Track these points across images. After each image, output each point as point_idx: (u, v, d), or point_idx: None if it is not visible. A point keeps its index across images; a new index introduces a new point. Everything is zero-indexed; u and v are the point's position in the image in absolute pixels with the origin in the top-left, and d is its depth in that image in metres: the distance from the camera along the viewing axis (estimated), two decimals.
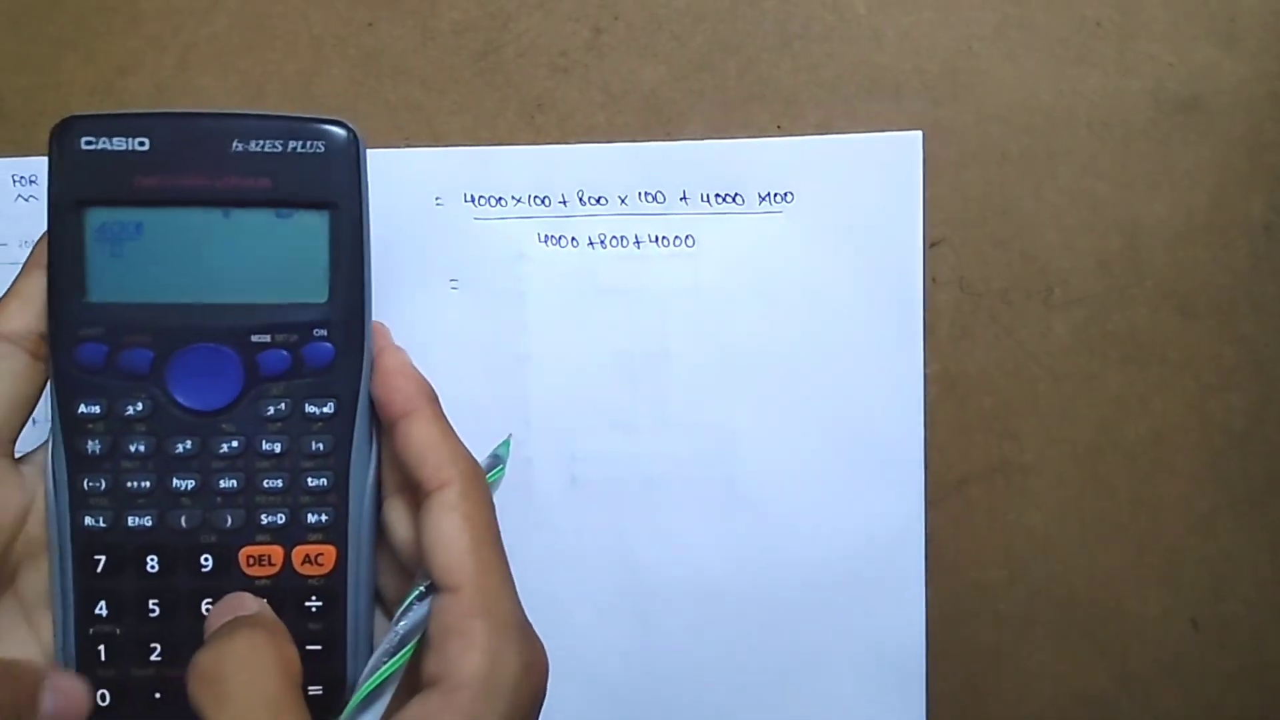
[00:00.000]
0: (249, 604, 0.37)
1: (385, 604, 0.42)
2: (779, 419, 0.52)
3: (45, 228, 0.39)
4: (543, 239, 0.52)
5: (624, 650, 0.53)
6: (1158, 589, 0.52)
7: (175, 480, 0.38)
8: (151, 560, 0.39)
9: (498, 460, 0.44)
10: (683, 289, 0.52)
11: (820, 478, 0.52)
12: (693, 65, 0.52)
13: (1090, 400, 0.52)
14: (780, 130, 0.52)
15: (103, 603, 0.38)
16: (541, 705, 0.38)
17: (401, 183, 0.52)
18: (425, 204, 0.52)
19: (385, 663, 0.37)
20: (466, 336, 0.52)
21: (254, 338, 0.39)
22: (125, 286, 0.38)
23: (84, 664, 0.38)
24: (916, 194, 0.51)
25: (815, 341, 0.52)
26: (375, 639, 0.41)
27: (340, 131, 0.39)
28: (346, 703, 0.39)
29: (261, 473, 0.39)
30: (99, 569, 0.38)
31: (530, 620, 0.38)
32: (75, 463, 0.38)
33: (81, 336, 0.38)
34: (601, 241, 0.52)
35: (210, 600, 0.38)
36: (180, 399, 0.38)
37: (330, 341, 0.39)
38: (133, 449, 0.38)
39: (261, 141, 0.38)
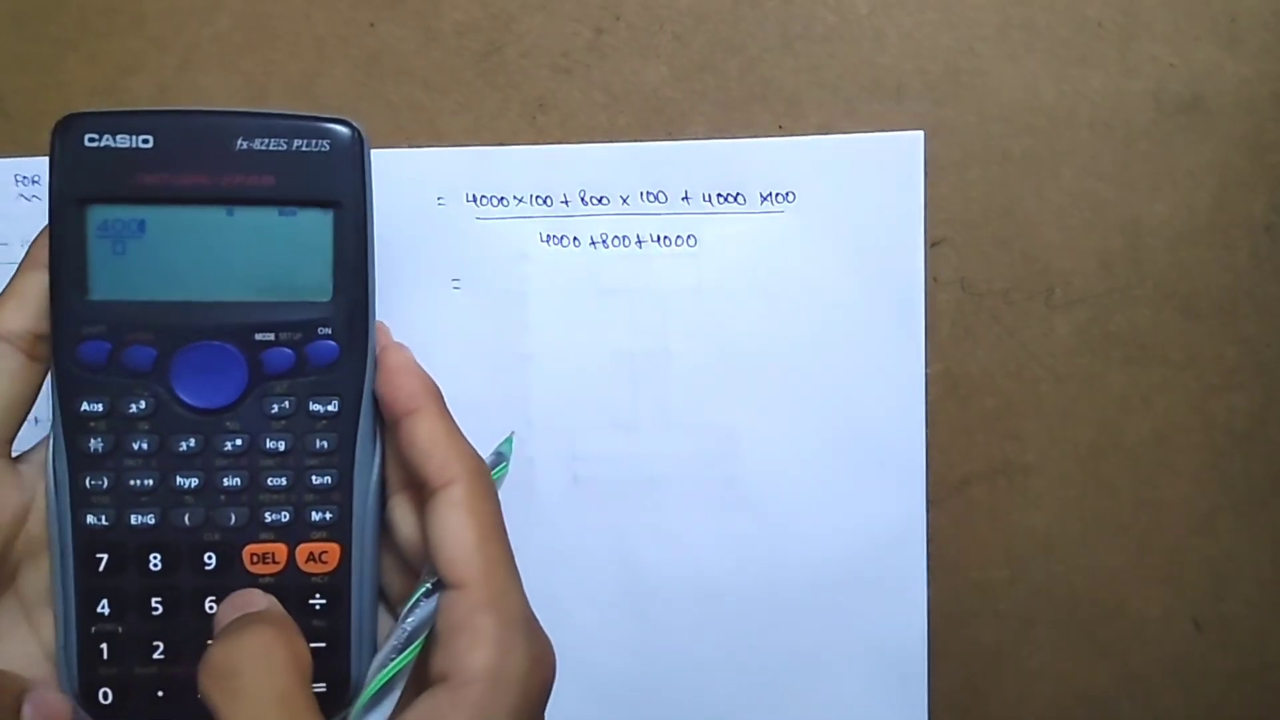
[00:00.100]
0: (258, 600, 0.37)
1: (389, 601, 0.42)
2: (781, 419, 0.52)
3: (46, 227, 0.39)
4: (545, 239, 0.52)
5: (625, 649, 0.53)
6: (1160, 589, 0.52)
7: (178, 478, 0.38)
8: (154, 559, 0.38)
9: (501, 457, 0.44)
10: (684, 289, 0.52)
11: (822, 477, 0.52)
12: (694, 65, 0.52)
13: (1092, 400, 0.52)
14: (782, 130, 0.52)
15: (105, 601, 0.38)
16: (548, 699, 0.38)
17: (404, 183, 0.52)
18: (427, 204, 0.52)
19: (393, 659, 0.37)
20: (468, 336, 0.52)
21: (258, 336, 0.39)
22: (128, 284, 0.38)
23: (86, 662, 0.38)
24: (918, 194, 0.51)
25: (817, 341, 0.52)
26: (379, 636, 0.41)
27: (344, 130, 0.39)
28: (350, 699, 0.39)
29: (265, 471, 0.39)
30: (101, 567, 0.38)
31: None
32: (77, 461, 0.38)
33: (84, 334, 0.38)
34: (603, 241, 0.52)
35: (214, 598, 0.38)
36: (183, 397, 0.38)
37: (334, 340, 0.39)
38: (135, 447, 0.38)
39: (265, 140, 0.38)
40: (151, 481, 0.38)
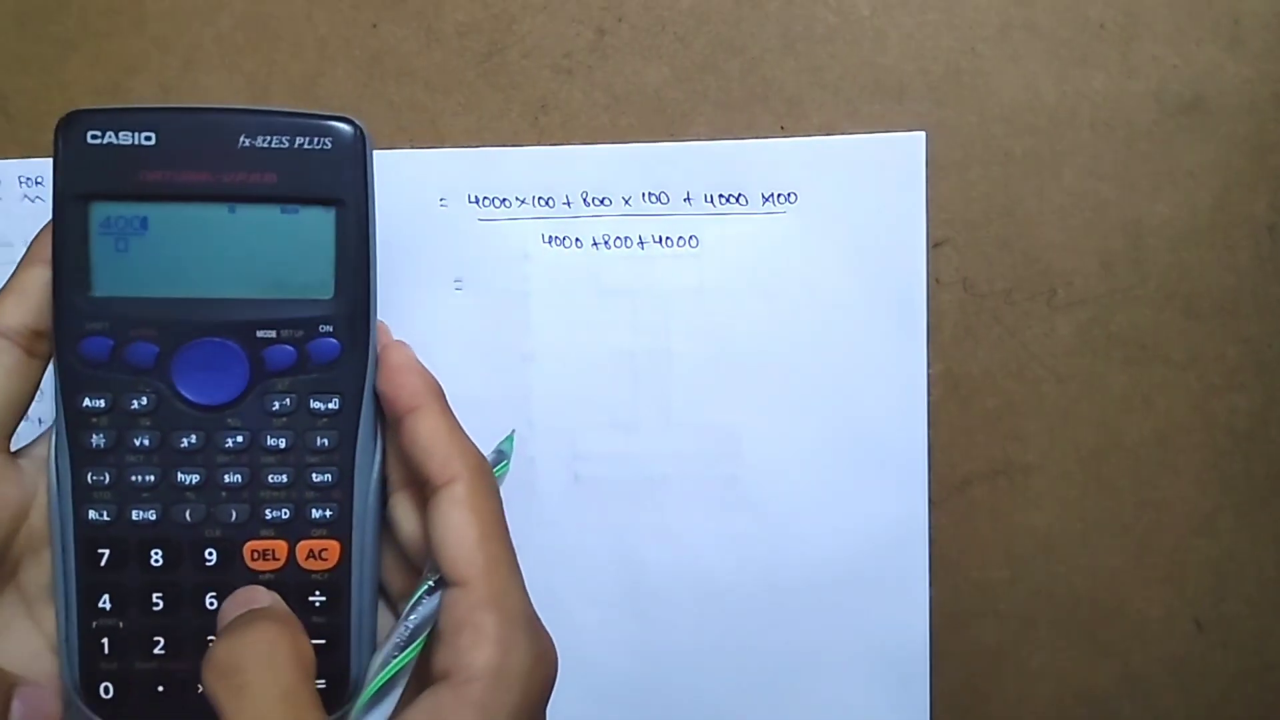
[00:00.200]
0: (262, 597, 0.37)
1: (391, 599, 0.42)
2: (782, 419, 0.52)
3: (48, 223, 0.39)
4: (547, 239, 0.52)
5: (626, 649, 0.53)
6: (1161, 589, 0.52)
7: (180, 474, 0.38)
8: (155, 554, 0.38)
9: (502, 455, 0.44)
10: (686, 289, 0.52)
11: (823, 477, 0.52)
12: (696, 66, 0.52)
13: (1093, 401, 0.52)
14: (784, 131, 0.52)
15: (106, 596, 0.38)
16: (550, 697, 0.38)
17: (406, 184, 0.52)
18: (430, 205, 0.52)
19: (395, 656, 0.37)
20: (470, 336, 0.52)
21: (259, 333, 0.39)
22: (130, 281, 0.38)
23: (87, 657, 0.38)
24: (920, 194, 0.51)
25: (818, 342, 0.52)
26: (380, 634, 0.41)
27: (347, 128, 0.39)
28: (349, 696, 0.39)
29: (266, 468, 0.39)
30: (102, 563, 0.38)
31: None
32: (79, 456, 0.38)
33: (86, 331, 0.38)
34: (605, 242, 0.52)
35: (214, 594, 0.38)
36: (185, 393, 0.38)
37: (336, 337, 0.39)
38: (137, 443, 0.38)
39: (268, 137, 0.38)
40: (153, 477, 0.38)
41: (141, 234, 0.38)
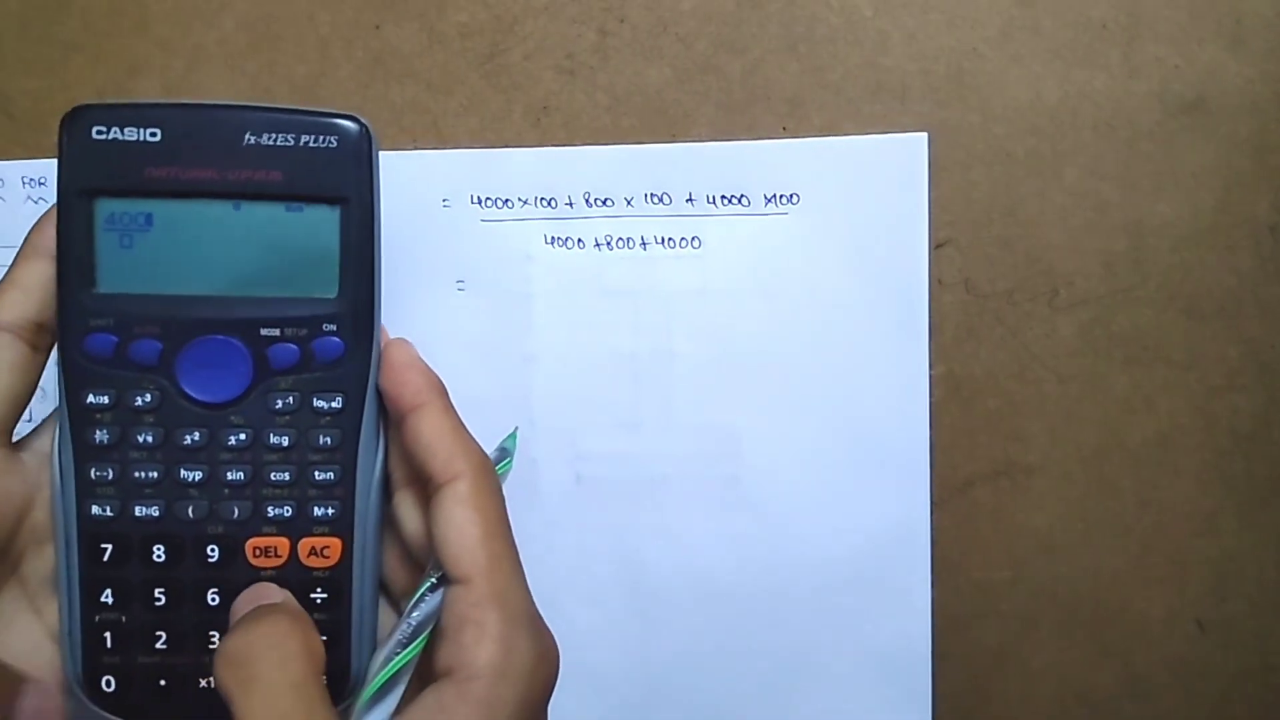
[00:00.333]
0: (274, 593, 0.38)
1: (393, 596, 0.42)
2: (784, 419, 0.52)
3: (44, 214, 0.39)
4: (549, 240, 0.52)
5: (627, 649, 0.52)
6: (1163, 590, 0.52)
7: (183, 471, 0.38)
8: (158, 550, 0.38)
9: (505, 453, 0.44)
10: (688, 290, 0.52)
11: (825, 478, 0.52)
12: (698, 67, 0.52)
13: (1095, 401, 0.52)
14: (786, 132, 0.52)
15: (108, 591, 0.38)
16: (551, 695, 0.38)
17: (408, 184, 0.52)
18: (432, 205, 0.52)
19: (398, 653, 0.37)
20: (472, 337, 0.52)
21: (263, 331, 0.39)
22: (135, 277, 0.38)
23: (89, 651, 0.38)
24: (922, 195, 0.51)
25: (820, 342, 0.52)
26: (382, 631, 0.41)
27: (352, 126, 0.39)
28: (349, 693, 0.39)
29: (269, 465, 0.39)
30: (105, 558, 0.38)
31: None
32: (82, 452, 0.38)
33: (91, 327, 0.38)
34: (607, 243, 0.52)
35: (216, 590, 0.39)
36: (189, 390, 0.38)
37: (339, 336, 0.39)
38: (141, 439, 0.38)
39: (273, 135, 0.38)
40: (156, 474, 0.38)
41: (146, 230, 0.38)
